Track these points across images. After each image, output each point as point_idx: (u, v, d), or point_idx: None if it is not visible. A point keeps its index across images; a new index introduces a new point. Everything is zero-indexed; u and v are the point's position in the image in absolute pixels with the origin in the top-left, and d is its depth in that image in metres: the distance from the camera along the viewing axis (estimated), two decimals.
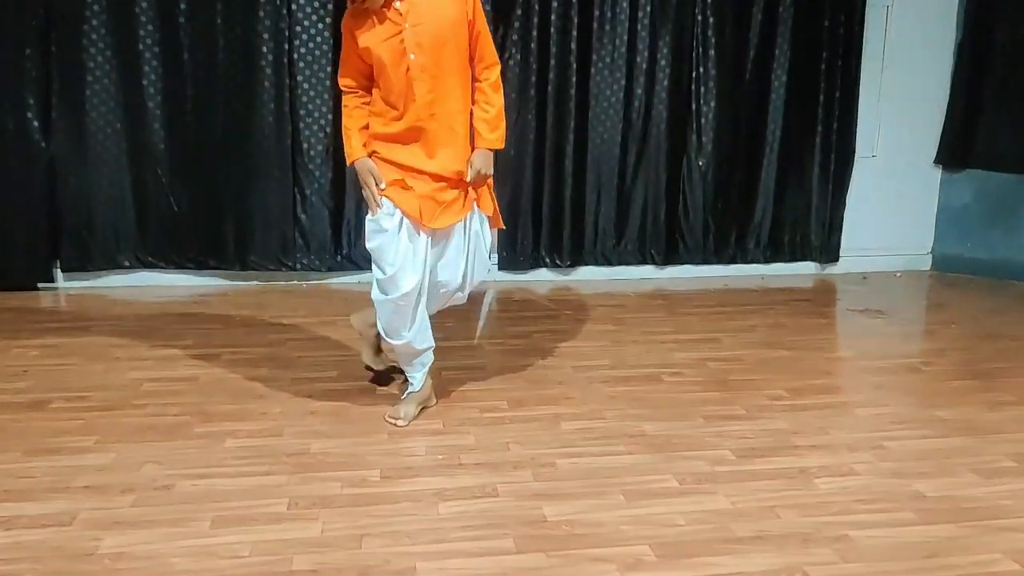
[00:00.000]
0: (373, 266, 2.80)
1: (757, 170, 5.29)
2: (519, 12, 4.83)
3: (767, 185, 5.32)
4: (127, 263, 4.79)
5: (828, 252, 5.49)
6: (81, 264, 4.74)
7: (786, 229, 5.44)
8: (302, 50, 4.67)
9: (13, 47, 4.42)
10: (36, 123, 4.52)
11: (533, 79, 4.89)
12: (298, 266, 4.91)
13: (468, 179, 2.80)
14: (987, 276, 5.43)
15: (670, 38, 5.01)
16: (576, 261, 5.22)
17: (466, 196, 2.85)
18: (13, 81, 4.46)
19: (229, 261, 4.84)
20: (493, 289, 5.01)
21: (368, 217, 2.78)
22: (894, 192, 5.59)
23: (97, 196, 4.67)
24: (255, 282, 4.96)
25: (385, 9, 2.64)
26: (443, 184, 2.78)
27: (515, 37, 4.84)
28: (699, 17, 5.02)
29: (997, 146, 5.28)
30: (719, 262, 5.41)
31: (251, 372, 3.46)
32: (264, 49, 4.61)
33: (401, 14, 2.63)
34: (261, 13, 4.58)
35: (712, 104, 5.15)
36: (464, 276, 2.96)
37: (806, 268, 5.55)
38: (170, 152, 4.66)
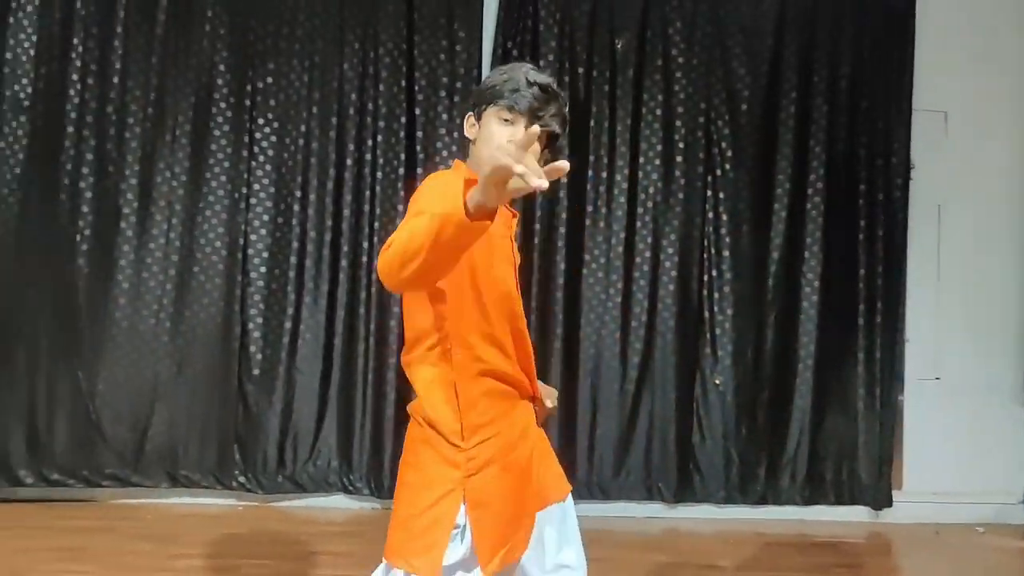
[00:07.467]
0: None
1: (788, 391, 4.42)
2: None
3: (801, 408, 4.42)
4: None
5: (879, 495, 4.43)
6: None
7: (828, 464, 4.44)
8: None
9: None
10: None
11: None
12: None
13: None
14: None
15: (676, 236, 4.38)
16: None
17: None
18: None
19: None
20: None
21: None
22: (968, 422, 4.55)
23: None
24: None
25: None
26: None
27: None
28: (710, 214, 4.41)
29: None
30: (746, 502, 4.41)
31: None
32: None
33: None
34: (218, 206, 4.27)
35: (729, 312, 4.40)
36: None
37: (858, 514, 4.47)
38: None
